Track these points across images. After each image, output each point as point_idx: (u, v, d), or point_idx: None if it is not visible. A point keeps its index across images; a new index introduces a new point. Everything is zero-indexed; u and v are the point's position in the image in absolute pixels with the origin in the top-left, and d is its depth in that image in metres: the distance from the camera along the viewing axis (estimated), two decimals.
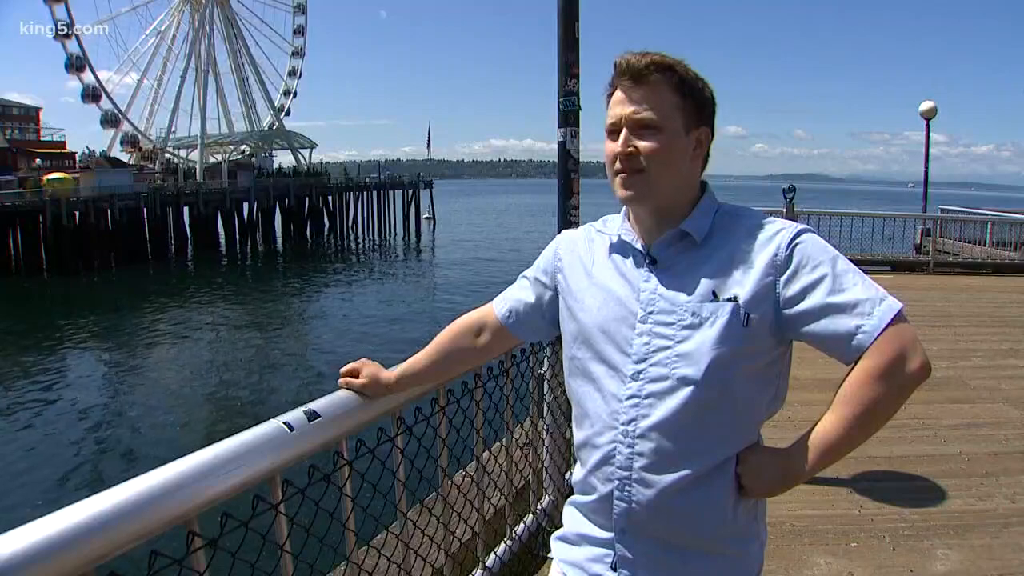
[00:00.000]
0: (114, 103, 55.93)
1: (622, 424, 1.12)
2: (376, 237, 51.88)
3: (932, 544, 2.75)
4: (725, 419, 1.09)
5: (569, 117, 2.99)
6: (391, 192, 55.30)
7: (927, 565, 2.61)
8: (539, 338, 1.31)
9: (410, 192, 55.83)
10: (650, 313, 1.12)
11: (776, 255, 1.08)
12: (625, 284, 1.16)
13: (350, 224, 52.59)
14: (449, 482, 1.95)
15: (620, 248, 1.21)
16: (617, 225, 1.24)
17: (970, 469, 3.51)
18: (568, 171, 3.06)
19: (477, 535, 2.13)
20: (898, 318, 1.02)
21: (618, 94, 1.15)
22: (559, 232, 3.14)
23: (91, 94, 53.85)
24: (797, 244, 1.08)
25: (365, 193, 53.82)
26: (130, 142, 57.68)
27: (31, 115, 60.98)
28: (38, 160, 48.35)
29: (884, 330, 1.01)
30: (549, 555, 2.59)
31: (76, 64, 51.84)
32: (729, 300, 1.07)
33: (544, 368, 2.54)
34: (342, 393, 1.49)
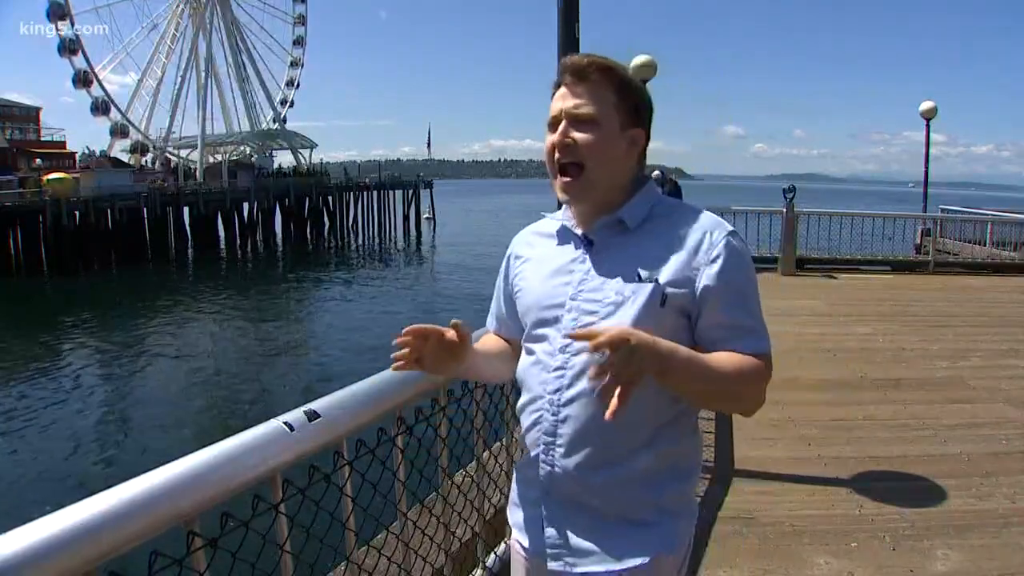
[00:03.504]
0: (107, 93, 55.99)
1: (549, 393, 1.20)
2: (376, 237, 51.85)
3: (932, 544, 2.76)
4: (644, 393, 1.08)
5: None
6: (391, 192, 55.25)
7: (927, 565, 2.61)
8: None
9: (410, 192, 55.81)
10: (580, 291, 1.20)
11: (705, 245, 1.16)
12: (562, 265, 1.25)
13: (350, 224, 52.55)
14: (449, 482, 1.95)
15: (562, 234, 1.30)
16: (561, 214, 1.33)
17: (970, 469, 3.51)
18: None
19: (477, 535, 2.13)
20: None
21: (561, 90, 1.23)
22: None
23: (82, 79, 53.70)
24: (730, 243, 1.17)
25: (365, 193, 53.76)
26: (139, 150, 57.80)
27: (31, 115, 60.82)
28: (38, 160, 48.23)
29: (765, 356, 1.16)
30: None
31: (69, 47, 51.76)
32: (650, 281, 1.15)
33: None
34: (342, 393, 1.49)
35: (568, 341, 1.18)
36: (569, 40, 2.93)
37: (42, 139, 58.72)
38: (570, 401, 1.18)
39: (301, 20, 67.45)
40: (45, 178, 36.30)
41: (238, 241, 44.18)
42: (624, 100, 1.21)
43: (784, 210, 10.92)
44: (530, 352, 1.28)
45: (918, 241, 13.58)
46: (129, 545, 1.01)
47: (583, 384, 1.16)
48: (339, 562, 1.60)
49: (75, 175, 39.15)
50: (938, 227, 12.69)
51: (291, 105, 69.50)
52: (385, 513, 1.69)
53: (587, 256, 1.23)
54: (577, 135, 1.19)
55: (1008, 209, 15.14)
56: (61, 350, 18.53)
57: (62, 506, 0.98)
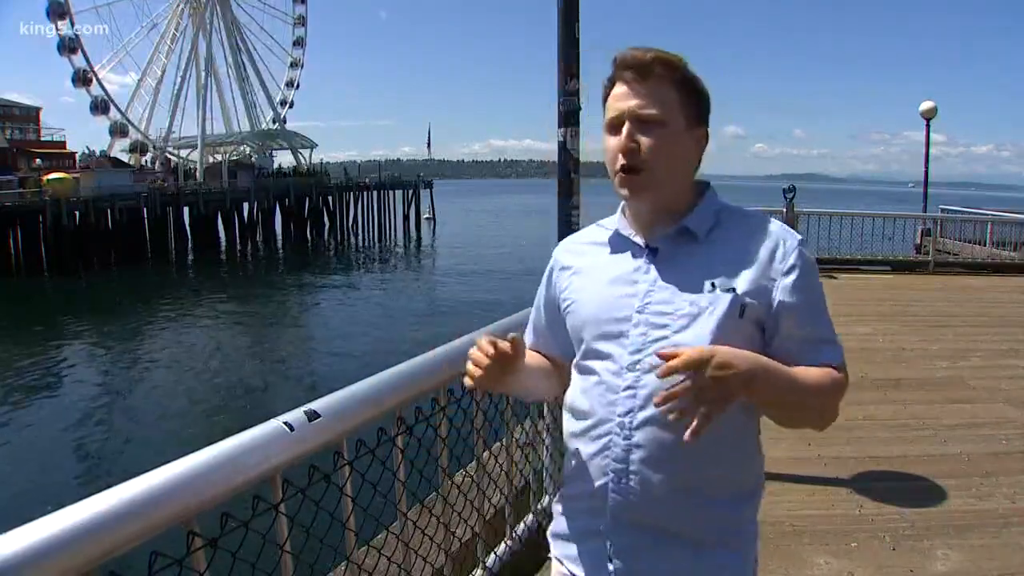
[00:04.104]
0: (106, 92, 56.23)
1: (619, 416, 1.11)
2: (376, 237, 51.86)
3: (932, 544, 2.75)
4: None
5: (569, 117, 3.00)
6: (391, 192, 55.28)
7: (927, 565, 2.61)
8: (567, 349, 1.28)
9: (410, 192, 55.83)
10: (647, 304, 1.12)
11: (779, 254, 1.11)
12: (622, 276, 1.17)
13: (350, 224, 52.57)
14: (449, 482, 1.95)
15: (618, 243, 1.21)
16: (615, 222, 1.24)
17: (970, 469, 3.51)
18: (568, 171, 3.06)
19: (477, 535, 2.13)
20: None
21: (620, 88, 1.13)
22: (559, 231, 3.15)
23: (82, 78, 53.75)
24: (803, 252, 1.12)
25: (365, 193, 53.78)
26: (138, 149, 57.83)
27: (31, 115, 60.83)
28: (38, 160, 48.24)
29: (843, 367, 1.13)
30: (549, 555, 2.59)
31: (69, 46, 51.79)
32: (726, 291, 1.08)
33: None
34: (342, 393, 1.49)
35: (637, 358, 1.10)
36: (569, 40, 2.92)
37: (42, 139, 58.73)
38: (644, 424, 1.08)
39: (301, 21, 67.52)
40: (45, 178, 36.31)
41: (238, 241, 44.19)
42: (689, 98, 1.13)
43: (784, 210, 10.91)
44: (590, 371, 1.17)
45: (918, 241, 13.58)
46: (129, 545, 1.01)
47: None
48: (339, 562, 1.60)
49: (75, 175, 39.17)
50: (938, 227, 12.69)
51: (291, 106, 69.65)
52: (385, 513, 1.69)
53: (651, 266, 1.14)
54: (643, 138, 1.11)
55: (1008, 209, 15.14)
56: (61, 350, 18.52)
57: (62, 506, 0.98)
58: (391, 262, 39.59)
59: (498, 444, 2.35)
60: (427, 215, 56.46)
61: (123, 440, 12.00)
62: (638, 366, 1.10)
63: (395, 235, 52.32)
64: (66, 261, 31.39)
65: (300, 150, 63.05)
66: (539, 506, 2.60)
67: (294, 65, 68.97)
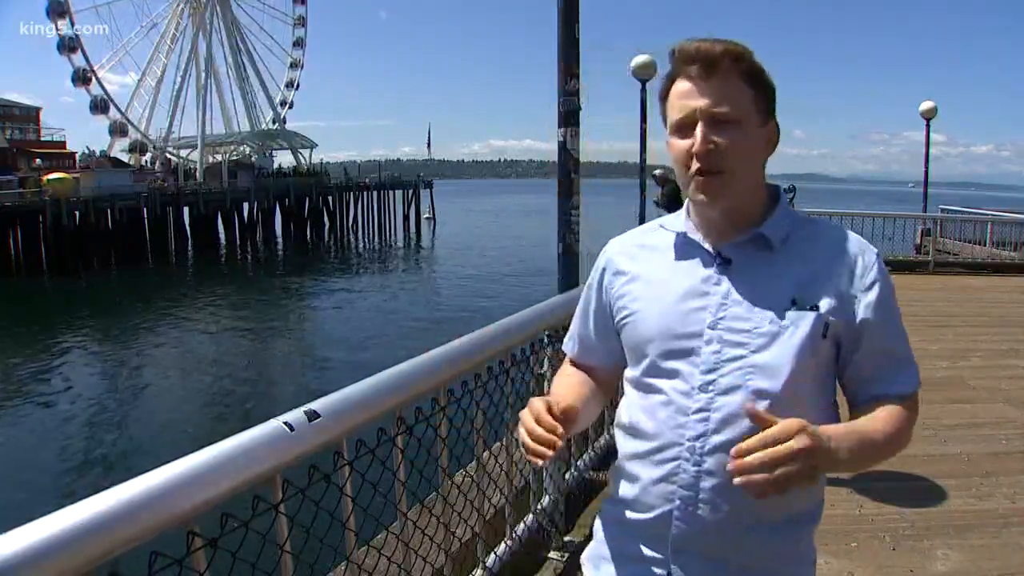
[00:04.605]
0: (106, 92, 56.24)
1: (688, 440, 1.02)
2: (376, 237, 51.90)
3: (932, 544, 2.75)
4: None
5: (569, 117, 3.00)
6: (391, 192, 55.31)
7: (927, 565, 2.61)
8: (615, 359, 1.20)
9: (410, 192, 55.85)
10: (721, 319, 1.03)
11: (859, 268, 1.05)
12: (691, 287, 1.07)
13: (350, 224, 52.59)
14: (449, 482, 1.95)
15: (684, 248, 1.11)
16: (679, 223, 1.13)
17: (970, 469, 3.51)
18: (568, 171, 3.06)
19: (477, 535, 2.13)
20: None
21: (685, 85, 1.04)
22: (559, 231, 3.15)
23: (81, 77, 53.79)
24: (882, 266, 1.07)
25: (365, 193, 53.83)
26: (138, 149, 57.87)
27: (31, 115, 60.85)
28: (38, 160, 48.26)
29: (916, 393, 1.09)
30: (549, 555, 2.59)
31: (69, 45, 51.83)
32: (809, 308, 1.01)
33: (544, 368, 2.54)
34: (342, 393, 1.49)
35: (711, 378, 1.02)
36: (569, 40, 2.93)
37: (42, 139, 58.76)
38: (717, 449, 1.00)
39: (301, 22, 67.54)
40: (45, 178, 36.33)
41: (238, 241, 44.20)
42: (759, 92, 1.05)
43: None
44: (654, 390, 1.08)
45: (918, 241, 13.58)
46: (129, 545, 1.01)
47: (735, 430, 0.99)
48: (339, 562, 1.60)
49: (75, 175, 39.20)
50: (938, 227, 12.69)
51: (291, 106, 69.70)
52: (385, 513, 1.69)
53: (723, 277, 1.06)
54: (719, 139, 1.01)
55: (1008, 209, 15.15)
56: (61, 350, 18.52)
57: (62, 506, 0.98)
58: (391, 262, 39.60)
59: (498, 444, 2.35)
60: (427, 215, 56.49)
61: (123, 440, 12.00)
62: (711, 387, 1.02)
63: (395, 235, 52.35)
64: (66, 261, 31.40)
65: (300, 150, 63.09)
66: (539, 506, 2.60)
67: (294, 66, 69.01)
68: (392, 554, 1.67)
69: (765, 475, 0.87)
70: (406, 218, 54.89)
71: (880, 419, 1.04)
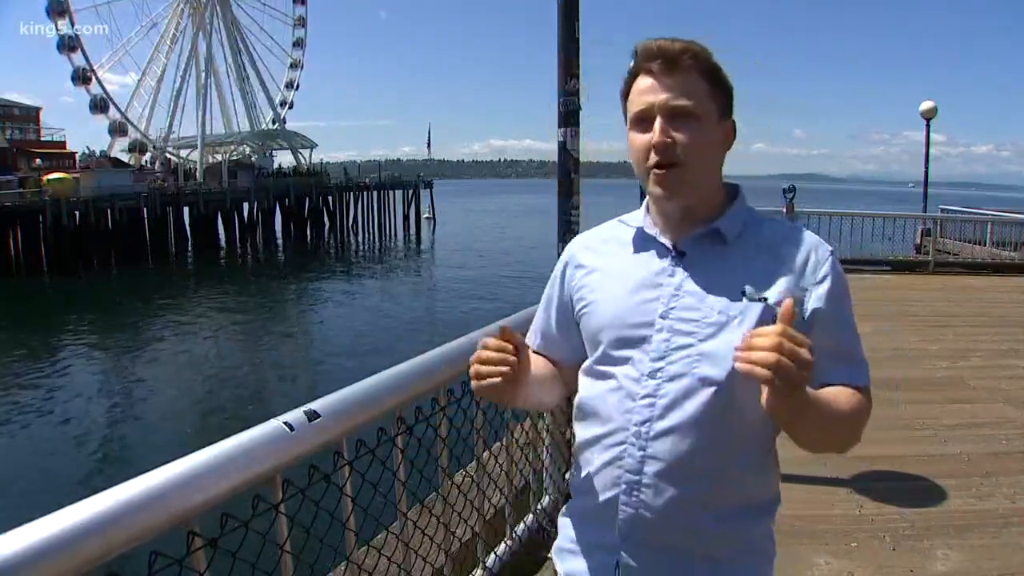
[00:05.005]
0: (105, 91, 56.18)
1: (635, 425, 1.05)
2: (376, 237, 51.90)
3: (932, 544, 2.76)
4: (744, 426, 1.05)
5: (569, 117, 2.99)
6: (391, 192, 55.33)
7: (927, 565, 2.61)
8: (577, 355, 1.21)
9: (410, 192, 55.86)
10: (672, 308, 1.07)
11: (812, 263, 1.07)
12: (646, 278, 1.11)
13: (350, 224, 52.59)
14: (449, 482, 1.95)
15: (642, 242, 1.15)
16: (639, 219, 1.17)
17: (970, 469, 3.51)
18: (568, 171, 3.06)
19: (477, 535, 2.13)
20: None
21: (646, 80, 1.07)
22: (559, 231, 3.15)
23: (81, 76, 53.74)
24: (835, 263, 1.10)
25: (365, 193, 53.84)
26: (138, 149, 57.88)
27: (31, 115, 60.86)
28: (38, 160, 48.25)
29: (868, 389, 1.09)
30: (549, 555, 2.59)
31: (68, 44, 51.80)
32: (757, 300, 1.03)
33: None
34: (342, 393, 1.49)
35: (659, 366, 1.05)
36: (569, 39, 2.92)
37: (42, 139, 58.77)
38: (661, 434, 1.03)
39: (301, 22, 67.53)
40: (45, 178, 36.33)
41: (238, 241, 44.21)
42: (718, 90, 1.08)
43: (784, 210, 10.91)
44: (606, 376, 1.11)
45: (918, 241, 13.58)
46: (129, 545, 1.01)
47: (679, 416, 1.03)
48: (339, 562, 1.60)
49: (75, 175, 39.18)
50: (938, 227, 12.68)
51: (290, 107, 69.70)
52: (385, 513, 1.69)
53: (677, 269, 1.09)
54: (676, 134, 1.04)
55: (1008, 209, 15.14)
56: (61, 350, 18.53)
57: (62, 506, 0.98)
58: (391, 262, 39.59)
59: (498, 444, 2.35)
60: (427, 215, 56.50)
61: (123, 440, 12.01)
62: (659, 374, 1.05)
63: (395, 235, 52.36)
64: (66, 261, 31.40)
65: (300, 150, 63.08)
66: (539, 506, 2.60)
67: (294, 66, 69.01)
68: (392, 554, 1.67)
69: (767, 356, 0.86)
70: (406, 218, 54.90)
71: (842, 396, 1.05)
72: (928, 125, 14.13)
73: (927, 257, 11.78)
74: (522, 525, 2.47)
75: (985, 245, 12.94)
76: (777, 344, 0.86)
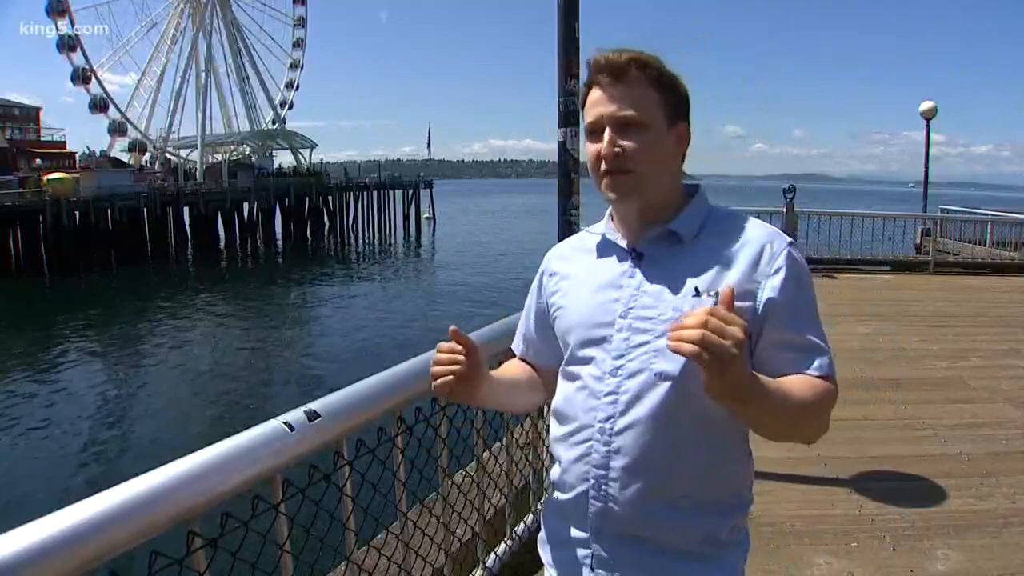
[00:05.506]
0: (105, 91, 56.18)
1: (599, 421, 1.09)
2: (376, 237, 51.89)
3: (932, 544, 2.75)
4: (703, 418, 1.05)
5: (569, 117, 3.00)
6: (391, 192, 55.31)
7: (927, 565, 2.61)
8: (557, 361, 1.25)
9: (410, 192, 55.86)
10: (631, 308, 1.10)
11: (766, 256, 1.07)
12: (607, 281, 1.15)
13: (350, 224, 52.57)
14: (449, 482, 1.95)
15: (605, 248, 1.20)
16: (602, 227, 1.23)
17: (970, 469, 3.51)
18: (568, 171, 3.06)
19: (477, 535, 2.13)
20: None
21: (597, 93, 1.12)
22: (559, 231, 3.15)
23: (81, 76, 53.74)
24: (791, 254, 1.08)
25: (365, 193, 53.81)
26: (137, 149, 57.88)
27: (31, 115, 60.87)
28: (38, 160, 48.25)
29: (833, 378, 1.08)
30: None
31: (68, 44, 51.79)
32: (711, 296, 1.04)
33: None
34: (342, 393, 1.49)
35: (620, 363, 1.08)
36: (569, 38, 2.92)
37: (42, 139, 58.79)
38: (624, 430, 1.07)
39: (301, 22, 67.54)
40: (45, 178, 36.27)
41: (238, 241, 44.18)
42: (667, 95, 1.11)
43: (784, 210, 10.91)
44: (574, 377, 1.16)
45: (918, 241, 13.58)
46: (129, 545, 1.01)
47: (639, 411, 1.06)
48: (339, 562, 1.60)
49: (75, 175, 39.13)
50: (938, 227, 12.69)
51: (290, 107, 69.74)
52: (385, 513, 1.69)
53: (636, 270, 1.13)
54: (625, 143, 1.09)
55: (1008, 209, 15.14)
56: (61, 350, 18.52)
57: (62, 506, 0.98)
58: (391, 262, 39.60)
59: (498, 444, 2.35)
60: (427, 215, 56.49)
61: (123, 440, 12.00)
62: (620, 371, 1.09)
63: (395, 235, 52.34)
64: (66, 261, 31.37)
65: (300, 150, 63.06)
66: (539, 506, 2.60)
67: (294, 66, 69.02)
68: (392, 554, 1.67)
69: (693, 332, 0.87)
70: (406, 218, 54.89)
71: (797, 382, 1.03)
72: (928, 125, 14.13)
73: (927, 257, 11.77)
74: (522, 525, 2.47)
75: (985, 245, 12.94)
76: (703, 321, 0.87)
